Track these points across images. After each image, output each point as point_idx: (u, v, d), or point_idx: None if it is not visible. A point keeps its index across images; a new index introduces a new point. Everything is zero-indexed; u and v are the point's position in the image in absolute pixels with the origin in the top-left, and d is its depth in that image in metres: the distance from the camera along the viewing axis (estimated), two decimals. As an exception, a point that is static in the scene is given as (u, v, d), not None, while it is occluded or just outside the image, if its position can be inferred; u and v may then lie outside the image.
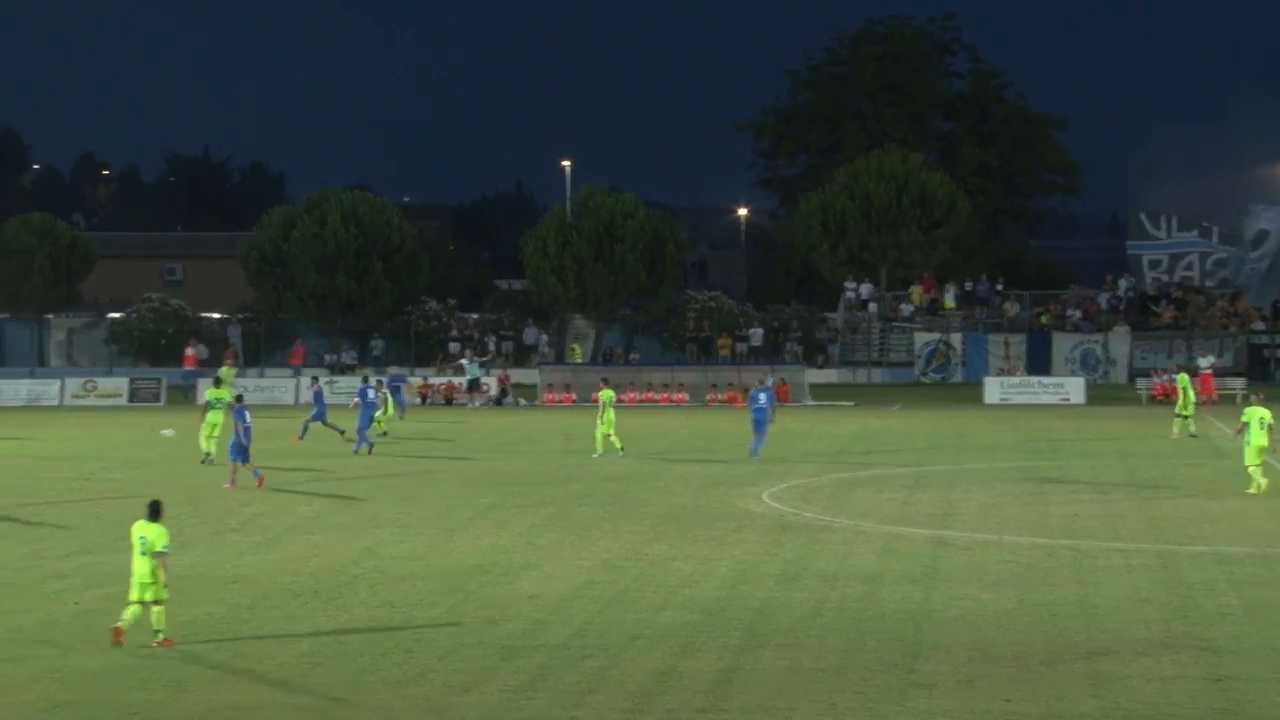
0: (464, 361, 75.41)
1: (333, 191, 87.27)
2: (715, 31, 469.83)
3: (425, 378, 76.94)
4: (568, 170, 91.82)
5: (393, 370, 78.87)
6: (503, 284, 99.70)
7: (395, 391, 59.93)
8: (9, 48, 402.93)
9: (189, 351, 78.50)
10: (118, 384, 76.25)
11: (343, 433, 52.26)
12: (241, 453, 41.31)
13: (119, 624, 23.35)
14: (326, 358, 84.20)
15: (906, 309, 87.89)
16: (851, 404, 73.43)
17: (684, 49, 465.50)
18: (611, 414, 48.58)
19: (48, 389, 75.07)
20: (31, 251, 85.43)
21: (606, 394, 49.15)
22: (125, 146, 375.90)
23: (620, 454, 48.08)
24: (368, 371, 72.63)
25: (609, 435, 48.59)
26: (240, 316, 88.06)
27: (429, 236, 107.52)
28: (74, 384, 75.44)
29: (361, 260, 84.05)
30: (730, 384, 74.10)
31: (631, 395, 72.78)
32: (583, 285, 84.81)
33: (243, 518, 36.17)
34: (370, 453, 49.69)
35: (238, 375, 68.32)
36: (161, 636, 23.26)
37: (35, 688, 21.10)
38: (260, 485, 41.07)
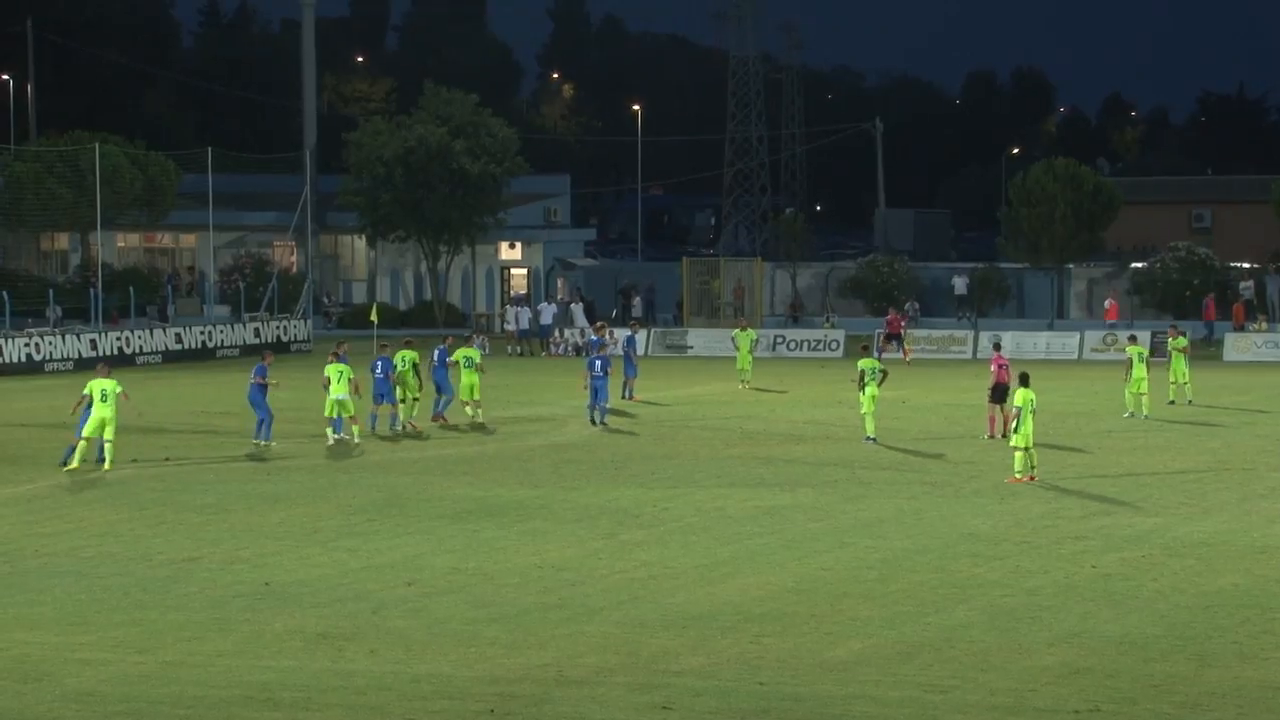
0: None
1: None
2: None
3: None
4: None
5: None
6: None
7: None
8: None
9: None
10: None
11: None
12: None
13: None
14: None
15: None
16: None
17: None
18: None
19: (1066, 341, 74.68)
20: (1054, 199, 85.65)
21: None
22: (1154, 86, 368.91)
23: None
24: None
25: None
26: (1274, 266, 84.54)
27: None
28: (1093, 337, 74.83)
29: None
30: None
31: None
32: None
33: (1271, 483, 34.46)
34: None
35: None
36: None
37: (1053, 651, 20.89)
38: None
